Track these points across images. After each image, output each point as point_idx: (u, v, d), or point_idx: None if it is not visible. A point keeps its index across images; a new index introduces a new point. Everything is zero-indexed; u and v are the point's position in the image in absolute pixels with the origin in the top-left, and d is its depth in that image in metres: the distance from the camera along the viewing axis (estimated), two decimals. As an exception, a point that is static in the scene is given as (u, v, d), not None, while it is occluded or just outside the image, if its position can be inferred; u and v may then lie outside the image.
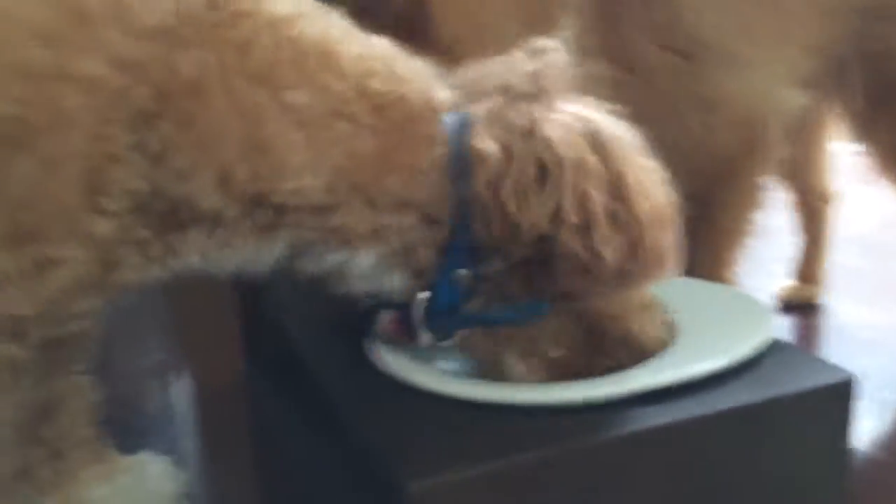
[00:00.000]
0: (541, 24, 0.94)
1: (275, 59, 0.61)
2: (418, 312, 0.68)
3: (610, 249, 0.63)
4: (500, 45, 0.71)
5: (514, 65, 0.68)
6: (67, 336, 0.65)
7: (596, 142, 0.64)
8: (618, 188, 0.64)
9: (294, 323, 0.86)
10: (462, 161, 0.64)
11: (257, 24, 0.61)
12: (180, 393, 1.19)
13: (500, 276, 0.66)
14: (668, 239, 0.66)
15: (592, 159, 0.63)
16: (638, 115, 0.98)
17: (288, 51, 0.61)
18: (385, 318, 0.73)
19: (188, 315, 1.51)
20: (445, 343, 0.70)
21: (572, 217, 0.62)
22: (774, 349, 0.71)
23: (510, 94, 0.66)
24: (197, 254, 0.63)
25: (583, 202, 0.62)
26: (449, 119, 0.66)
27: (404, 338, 0.71)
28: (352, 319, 0.76)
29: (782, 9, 1.01)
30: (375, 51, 0.66)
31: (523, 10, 0.96)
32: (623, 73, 0.97)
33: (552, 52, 0.68)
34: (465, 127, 0.65)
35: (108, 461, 0.82)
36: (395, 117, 0.64)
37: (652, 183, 0.66)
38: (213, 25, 0.59)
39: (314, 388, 0.76)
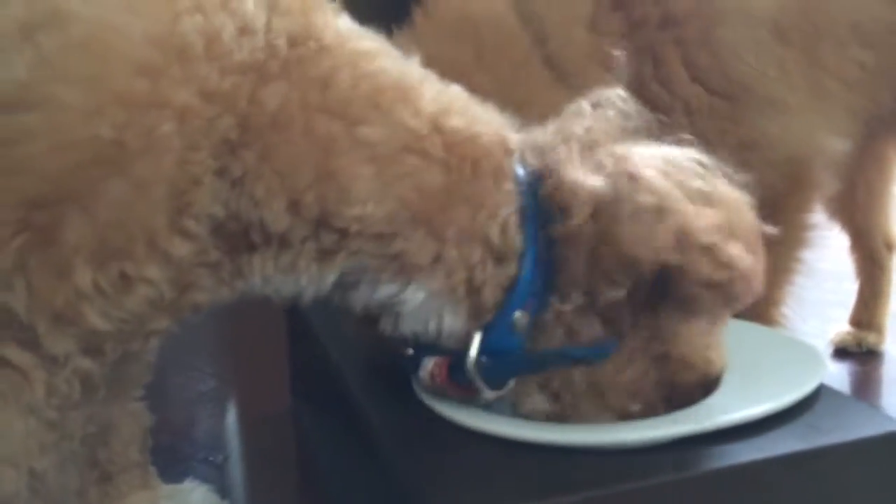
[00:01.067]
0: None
1: (352, 94, 0.63)
2: (472, 354, 0.65)
3: (743, 256, 0.64)
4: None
5: (576, 116, 0.69)
6: (132, 357, 0.68)
7: (683, 169, 0.66)
8: (724, 203, 0.66)
9: (340, 354, 0.86)
10: (540, 201, 0.65)
11: (338, 60, 0.63)
12: (227, 421, 1.20)
13: (575, 315, 0.66)
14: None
15: (694, 184, 0.65)
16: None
17: (365, 87, 0.64)
18: (430, 364, 0.69)
19: (236, 345, 1.53)
20: (499, 394, 0.67)
21: (704, 238, 0.63)
22: (825, 396, 0.69)
23: (578, 142, 0.67)
24: (261, 276, 0.65)
25: (705, 223, 0.64)
26: (520, 159, 0.68)
27: (451, 387, 0.68)
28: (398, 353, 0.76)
29: (819, 65, 1.02)
30: (452, 93, 0.68)
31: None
32: (661, 113, 0.98)
33: (609, 104, 0.69)
34: (537, 171, 0.67)
35: (153, 487, 0.84)
36: (468, 153, 0.65)
37: (739, 194, 0.68)
38: (297, 61, 0.62)
39: (358, 419, 0.76)
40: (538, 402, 0.68)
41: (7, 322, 0.59)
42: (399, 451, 0.67)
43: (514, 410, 0.69)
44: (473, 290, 0.65)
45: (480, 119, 0.67)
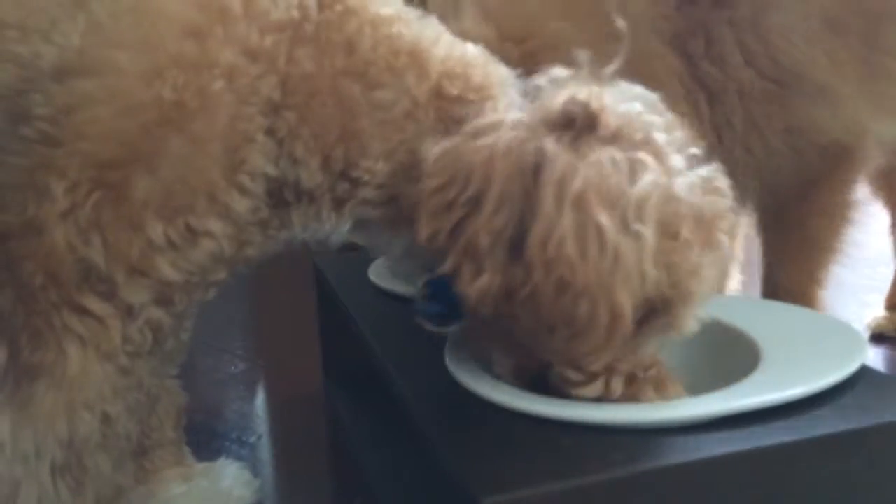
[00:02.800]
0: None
1: (372, 58, 0.67)
2: (420, 294, 0.71)
3: (475, 284, 0.62)
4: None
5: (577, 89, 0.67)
6: (172, 330, 0.71)
7: (531, 179, 0.62)
8: (523, 231, 0.61)
9: (373, 334, 0.86)
10: None
11: (361, 22, 0.67)
12: (259, 402, 1.20)
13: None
14: (582, 303, 0.60)
15: (501, 192, 0.62)
16: (725, 133, 0.99)
17: (384, 49, 0.67)
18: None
19: (268, 327, 1.54)
20: (441, 330, 0.73)
21: (444, 241, 0.64)
22: (868, 376, 0.68)
23: (535, 119, 0.66)
24: (300, 228, 0.71)
25: (469, 230, 0.63)
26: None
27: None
28: (432, 332, 0.76)
29: (879, 48, 1.00)
30: (460, 54, 0.71)
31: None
32: (709, 91, 0.96)
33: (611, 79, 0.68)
34: None
35: (187, 465, 0.84)
36: (451, 124, 0.68)
37: (574, 236, 0.60)
38: (325, 25, 0.66)
39: (391, 400, 0.76)
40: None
41: (86, 274, 0.63)
42: (434, 429, 0.67)
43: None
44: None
45: (478, 85, 0.70)
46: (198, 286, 0.69)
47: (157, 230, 0.62)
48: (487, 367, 0.71)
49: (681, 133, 0.67)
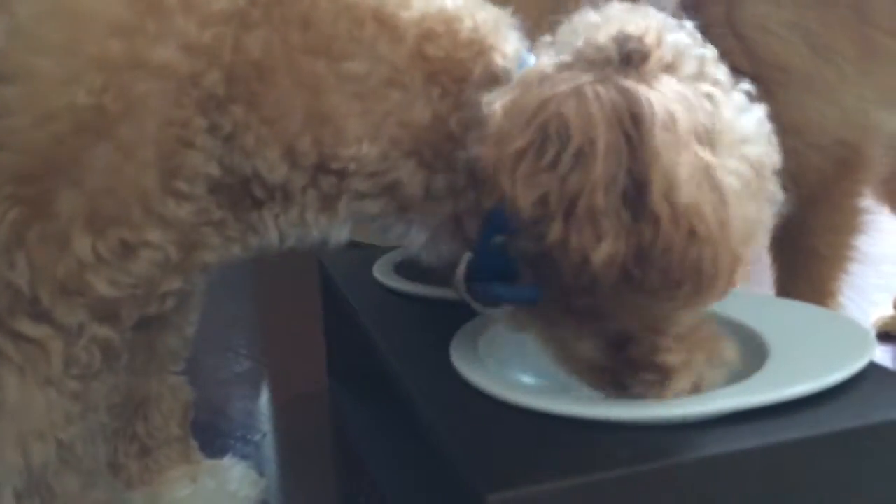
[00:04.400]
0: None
1: (333, 31, 0.61)
2: (459, 276, 0.67)
3: (600, 250, 0.55)
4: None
5: (606, 22, 0.61)
6: (160, 322, 0.68)
7: (630, 124, 0.55)
8: (640, 183, 0.55)
9: (378, 332, 0.86)
10: None
11: None
12: (264, 400, 1.20)
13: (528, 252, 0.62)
14: (707, 252, 0.55)
15: (607, 143, 0.55)
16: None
17: (345, 20, 0.61)
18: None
19: (273, 325, 1.54)
20: (492, 310, 0.69)
21: (556, 205, 0.56)
22: (875, 374, 0.68)
23: (583, 59, 0.59)
24: (276, 231, 0.65)
25: (581, 191, 0.55)
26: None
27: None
28: (438, 329, 0.76)
29: (869, 21, 0.95)
30: (436, 10, 0.64)
31: None
32: None
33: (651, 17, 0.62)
34: None
35: (193, 462, 0.84)
36: (450, 84, 0.63)
37: (690, 177, 0.55)
38: (275, 3, 0.60)
39: (396, 397, 0.76)
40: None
41: (16, 297, 0.59)
42: (439, 426, 0.66)
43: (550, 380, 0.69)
44: (459, 220, 0.66)
45: (467, 40, 0.63)
46: (147, 298, 0.63)
47: (84, 246, 0.58)
48: (492, 365, 0.71)
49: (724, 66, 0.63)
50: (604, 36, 0.59)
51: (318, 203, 0.64)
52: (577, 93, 0.56)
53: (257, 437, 1.05)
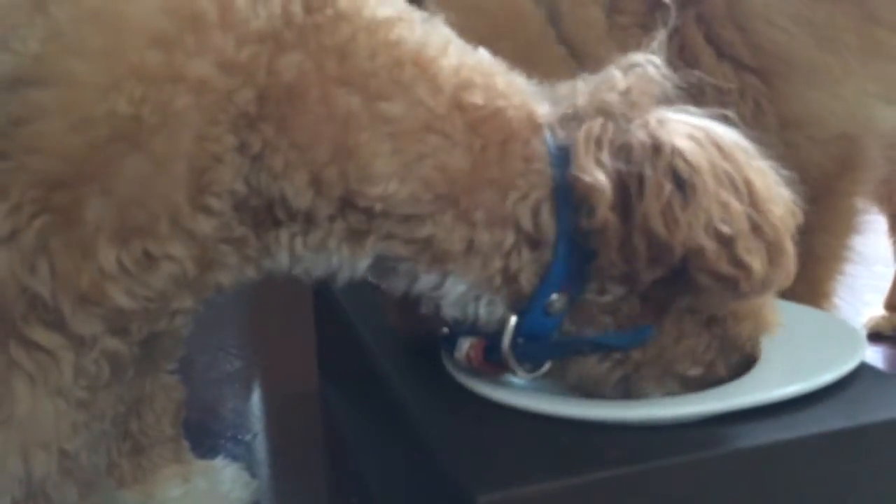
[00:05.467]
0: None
1: (371, 67, 0.61)
2: (507, 339, 0.65)
3: (757, 260, 0.60)
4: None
5: (608, 82, 0.65)
6: (162, 333, 0.67)
7: (720, 147, 0.62)
8: (751, 194, 0.61)
9: (370, 332, 0.86)
10: (567, 186, 0.62)
11: (355, 28, 0.61)
12: (255, 400, 1.20)
13: (615, 300, 0.64)
14: (790, 246, 0.63)
15: (725, 166, 0.61)
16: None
17: (384, 58, 0.61)
18: (465, 346, 0.68)
19: (264, 324, 1.53)
20: (534, 375, 0.67)
21: (724, 228, 0.59)
22: (866, 374, 0.68)
23: (609, 113, 0.63)
24: (289, 253, 0.63)
25: (726, 212, 0.60)
26: (551, 138, 0.64)
27: (487, 368, 0.68)
28: (428, 332, 0.76)
29: (871, 17, 0.94)
30: (474, 62, 0.65)
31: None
32: (692, 99, 0.94)
33: (645, 66, 0.65)
34: (567, 149, 0.63)
35: (186, 462, 0.84)
36: (491, 133, 0.62)
37: (776, 186, 0.64)
38: (313, 29, 0.60)
39: (387, 398, 0.76)
40: (599, 371, 0.67)
41: (32, 304, 0.58)
42: (430, 427, 0.66)
43: (569, 381, 0.68)
44: (509, 277, 0.64)
45: (504, 92, 0.64)
46: (159, 314, 0.63)
47: (109, 256, 0.57)
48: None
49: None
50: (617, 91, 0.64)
51: (344, 233, 0.63)
52: (689, 135, 0.61)
53: (248, 437, 1.05)
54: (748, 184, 0.61)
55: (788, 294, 1.00)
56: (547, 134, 0.64)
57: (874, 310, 1.30)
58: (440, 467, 0.62)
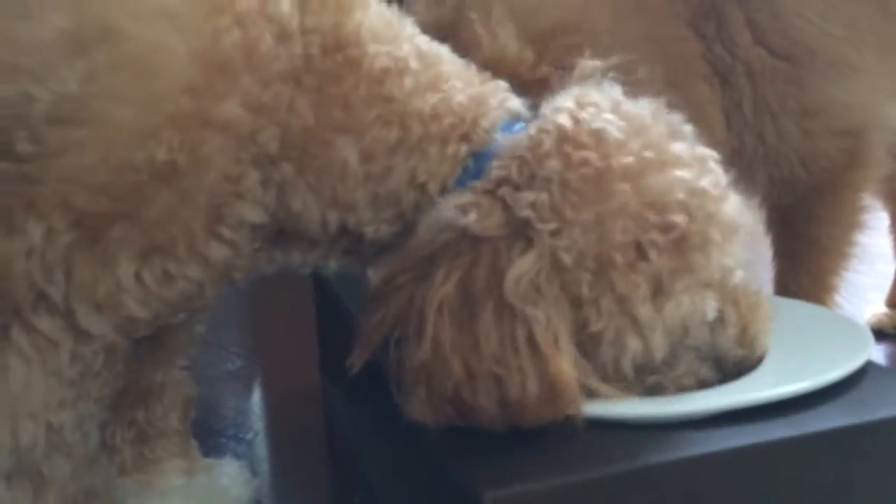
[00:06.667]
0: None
1: (365, 118, 0.64)
2: None
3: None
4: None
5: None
6: (177, 328, 0.73)
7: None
8: None
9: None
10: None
11: (359, 78, 0.64)
12: (256, 398, 1.20)
13: None
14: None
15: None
16: (734, 118, 0.96)
17: (378, 110, 0.64)
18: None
19: (265, 323, 1.53)
20: None
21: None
22: (873, 372, 0.68)
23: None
24: (299, 261, 0.70)
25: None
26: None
27: None
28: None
29: (892, 15, 0.97)
30: (454, 84, 0.67)
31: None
32: (721, 74, 0.95)
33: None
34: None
35: (191, 458, 0.84)
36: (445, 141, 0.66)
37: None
38: (326, 75, 0.63)
39: (389, 394, 0.75)
40: None
41: (43, 297, 0.60)
42: (435, 425, 0.66)
43: None
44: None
45: (468, 112, 0.67)
46: (167, 317, 0.68)
47: (128, 271, 0.61)
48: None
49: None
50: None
51: (339, 252, 0.70)
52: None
53: (250, 436, 1.05)
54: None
55: (793, 287, 1.02)
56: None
57: (876, 307, 1.30)
58: (444, 465, 0.62)
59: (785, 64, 0.95)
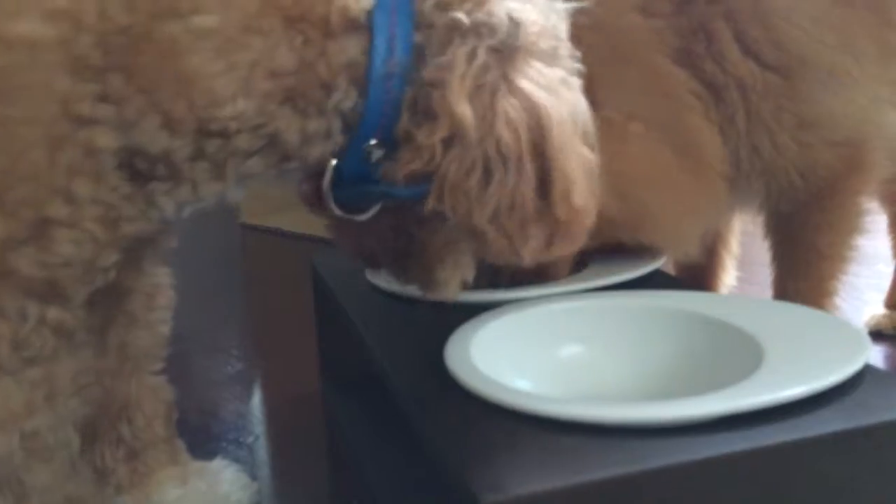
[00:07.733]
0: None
1: None
2: (327, 180, 0.68)
3: (528, 247, 0.65)
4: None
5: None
6: (104, 290, 0.66)
7: (539, 132, 0.62)
8: (547, 186, 0.63)
9: (369, 334, 0.85)
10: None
11: None
12: (256, 402, 1.20)
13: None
14: (584, 225, 0.67)
15: (529, 161, 0.63)
16: (728, 132, 0.96)
17: None
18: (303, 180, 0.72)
19: (265, 327, 1.53)
20: (360, 217, 0.71)
21: (508, 222, 0.63)
22: (871, 375, 0.68)
23: (486, 41, 0.62)
24: (172, 205, 0.64)
25: (516, 205, 0.63)
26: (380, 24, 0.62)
27: (315, 204, 0.70)
28: (430, 332, 0.76)
29: (888, 23, 0.97)
30: None
31: None
32: (715, 90, 0.94)
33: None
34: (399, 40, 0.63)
35: (182, 463, 0.84)
36: (310, 31, 0.61)
37: (581, 176, 0.65)
38: None
39: (389, 400, 0.75)
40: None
41: None
42: (433, 429, 0.66)
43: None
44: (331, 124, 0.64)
45: None
46: (89, 275, 0.63)
47: None
48: (486, 367, 0.71)
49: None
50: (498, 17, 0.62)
51: (207, 175, 0.63)
52: (505, 117, 0.62)
53: (249, 440, 1.05)
54: (549, 174, 0.63)
55: (792, 291, 1.02)
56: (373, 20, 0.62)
57: (875, 308, 1.30)
58: (443, 469, 0.62)
59: (777, 75, 0.94)
